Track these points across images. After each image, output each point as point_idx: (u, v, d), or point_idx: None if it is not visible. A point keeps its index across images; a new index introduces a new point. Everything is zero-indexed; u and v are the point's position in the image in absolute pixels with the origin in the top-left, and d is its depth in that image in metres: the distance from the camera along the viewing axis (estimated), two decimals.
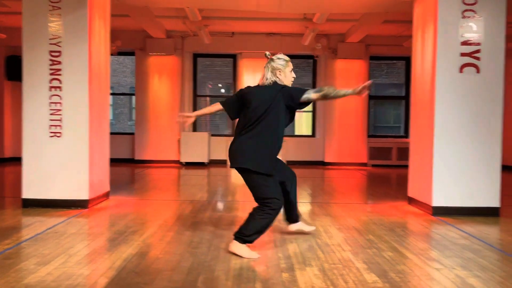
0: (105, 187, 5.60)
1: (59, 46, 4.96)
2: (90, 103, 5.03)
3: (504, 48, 4.88)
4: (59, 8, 4.96)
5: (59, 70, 4.97)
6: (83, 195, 5.00)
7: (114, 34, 10.05)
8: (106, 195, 5.65)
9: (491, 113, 4.90)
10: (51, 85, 4.97)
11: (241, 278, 2.83)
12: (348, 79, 10.70)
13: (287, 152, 10.46)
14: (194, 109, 10.98)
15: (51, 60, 4.96)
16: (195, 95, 11.02)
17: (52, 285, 2.67)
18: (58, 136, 4.99)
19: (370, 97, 11.47)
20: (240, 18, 8.89)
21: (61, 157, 4.99)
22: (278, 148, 3.47)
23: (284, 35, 10.41)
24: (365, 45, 10.46)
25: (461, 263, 3.19)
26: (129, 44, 10.48)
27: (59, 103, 4.98)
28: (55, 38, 4.97)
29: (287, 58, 3.57)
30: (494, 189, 4.90)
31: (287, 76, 3.54)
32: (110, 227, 4.25)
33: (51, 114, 4.98)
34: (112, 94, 19.01)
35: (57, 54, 4.97)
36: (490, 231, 4.22)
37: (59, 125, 4.99)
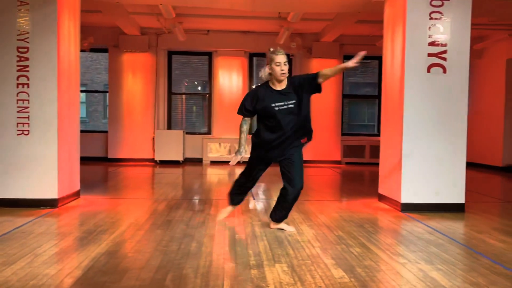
0: (75, 186, 5.52)
1: (27, 42, 4.85)
2: (59, 100, 4.94)
3: (469, 49, 5.04)
4: (27, 3, 4.85)
5: (27, 66, 4.86)
6: (52, 194, 4.91)
7: (87, 30, 9.88)
8: (77, 194, 5.56)
9: (457, 112, 5.06)
10: (18, 82, 4.86)
11: (210, 276, 2.84)
12: None
13: None
14: (169, 106, 10.89)
15: (18, 56, 4.85)
16: (170, 93, 10.94)
17: (16, 285, 2.63)
18: (26, 134, 4.89)
19: (345, 96, 11.64)
20: (215, 16, 8.86)
21: (29, 156, 4.89)
22: (260, 141, 3.92)
23: (260, 34, 10.44)
24: (340, 44, 10.60)
25: (425, 257, 3.29)
26: (102, 41, 10.31)
27: (27, 100, 4.87)
28: (23, 34, 4.86)
29: (278, 51, 3.74)
30: (459, 186, 5.07)
31: (274, 70, 3.75)
32: (79, 226, 4.20)
33: (19, 111, 4.87)
34: (85, 91, 18.68)
35: (24, 50, 4.86)
36: (454, 226, 4.36)
37: (27, 123, 4.88)
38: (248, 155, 4.09)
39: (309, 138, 3.99)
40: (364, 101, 18.14)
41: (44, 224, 4.20)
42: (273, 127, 3.82)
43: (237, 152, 3.95)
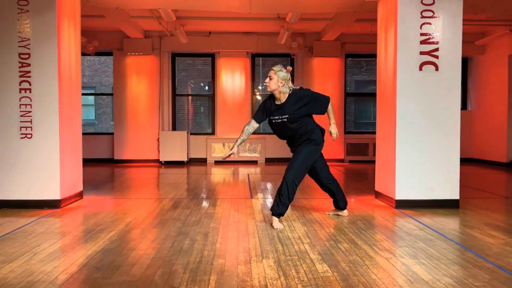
0: (78, 187, 5.68)
1: (28, 48, 5.02)
2: (60, 104, 5.10)
3: (461, 46, 5.07)
4: (28, 11, 5.02)
5: (29, 72, 5.03)
6: (55, 195, 5.07)
7: (91, 35, 10.11)
8: (80, 195, 5.73)
9: (450, 109, 5.09)
10: (20, 87, 5.03)
11: (198, 271, 2.96)
12: (325, 76, 10.89)
13: (267, 149, 10.61)
14: (173, 107, 11.05)
15: (20, 62, 5.02)
16: (174, 94, 11.10)
17: (13, 281, 2.77)
18: (29, 138, 5.06)
19: (350, 94, 11.68)
20: (216, 18, 9.00)
21: (32, 158, 5.06)
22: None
23: (261, 34, 10.54)
24: (341, 43, 10.65)
25: (410, 252, 3.37)
26: (107, 44, 10.52)
27: (29, 104, 5.05)
28: (24, 41, 5.03)
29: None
30: (453, 182, 5.10)
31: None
32: (79, 226, 4.34)
33: (22, 115, 5.04)
34: (93, 94, 18.96)
35: (26, 56, 5.03)
36: (446, 222, 4.41)
37: (30, 127, 5.05)
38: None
39: (314, 144, 4.30)
40: (370, 99, 18.14)
41: (46, 224, 4.36)
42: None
43: (231, 149, 4.32)
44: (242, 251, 3.43)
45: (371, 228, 4.22)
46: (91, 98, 19.64)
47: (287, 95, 4.21)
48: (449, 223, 4.38)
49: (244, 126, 4.34)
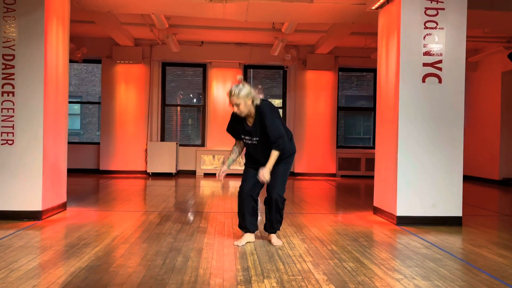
0: (61, 198, 5.34)
1: (13, 49, 4.73)
2: (45, 109, 4.80)
3: (464, 58, 4.96)
4: (14, 10, 4.74)
5: (12, 74, 4.73)
6: (36, 206, 4.73)
7: (80, 41, 9.82)
8: (63, 206, 5.38)
9: (453, 123, 4.96)
10: (3, 90, 4.72)
11: None
12: (318, 89, 10.76)
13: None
14: (163, 118, 10.76)
15: (3, 64, 4.72)
16: (164, 104, 10.82)
17: None
18: (10, 144, 4.73)
19: (340, 109, 11.57)
20: (209, 27, 8.81)
21: (13, 166, 4.73)
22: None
23: (254, 45, 10.39)
24: (334, 56, 10.54)
25: (421, 273, 3.14)
26: (96, 52, 10.23)
27: (12, 109, 4.73)
28: (9, 41, 4.74)
29: (230, 93, 3.63)
30: (456, 199, 4.93)
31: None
32: (62, 239, 4.02)
33: (3, 120, 4.73)
34: (79, 102, 18.55)
35: (10, 58, 4.74)
36: (452, 240, 4.21)
37: (11, 132, 4.73)
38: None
39: (289, 153, 3.91)
40: (360, 114, 18.12)
41: (25, 237, 4.02)
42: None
43: (222, 165, 4.03)
44: (241, 269, 3.16)
45: (374, 246, 3.99)
46: (77, 107, 19.22)
47: (254, 111, 3.68)
48: (456, 242, 4.18)
49: (233, 146, 4.05)
